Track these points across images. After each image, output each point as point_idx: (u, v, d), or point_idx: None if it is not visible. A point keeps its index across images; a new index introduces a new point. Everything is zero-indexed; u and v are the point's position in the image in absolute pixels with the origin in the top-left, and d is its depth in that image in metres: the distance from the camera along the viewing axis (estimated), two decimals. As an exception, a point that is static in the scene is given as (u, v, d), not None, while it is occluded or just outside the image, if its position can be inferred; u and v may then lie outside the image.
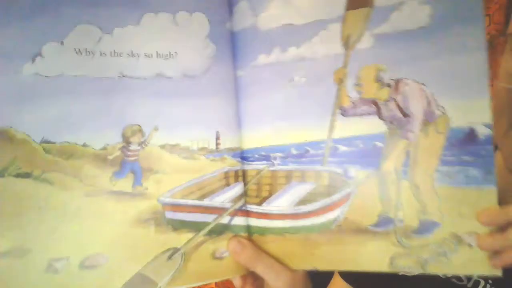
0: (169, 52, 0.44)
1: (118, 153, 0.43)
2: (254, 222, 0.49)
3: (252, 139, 0.49)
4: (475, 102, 0.41)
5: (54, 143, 0.40)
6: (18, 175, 0.39)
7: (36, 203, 0.40)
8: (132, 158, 0.44)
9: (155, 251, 0.44)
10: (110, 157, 0.43)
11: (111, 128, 0.42)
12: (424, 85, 0.42)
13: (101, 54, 0.41)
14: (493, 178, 0.42)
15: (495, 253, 0.42)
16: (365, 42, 0.43)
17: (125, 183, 0.43)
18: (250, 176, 0.50)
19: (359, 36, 0.43)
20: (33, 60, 0.39)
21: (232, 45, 0.48)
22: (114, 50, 0.42)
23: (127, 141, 0.43)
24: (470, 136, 0.42)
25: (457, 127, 0.42)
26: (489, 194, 0.42)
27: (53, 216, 0.40)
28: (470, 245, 0.43)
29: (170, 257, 0.45)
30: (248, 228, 0.49)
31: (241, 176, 0.49)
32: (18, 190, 0.39)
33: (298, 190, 0.49)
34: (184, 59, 0.45)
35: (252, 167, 0.49)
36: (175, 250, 0.45)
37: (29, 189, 0.39)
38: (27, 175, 0.39)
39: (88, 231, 0.41)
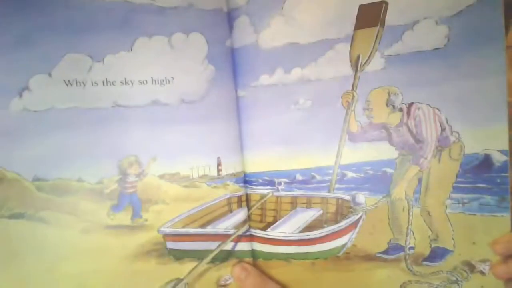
0: (165, 77, 0.42)
1: (115, 186, 0.41)
2: (259, 247, 0.47)
3: (256, 163, 0.46)
4: (492, 128, 0.39)
5: (46, 180, 0.38)
6: (11, 216, 0.37)
7: (32, 243, 0.38)
8: (130, 190, 0.42)
9: (157, 283, 0.43)
10: (107, 191, 0.40)
11: (107, 160, 0.40)
12: (438, 109, 0.40)
13: (92, 84, 0.39)
14: (507, 205, 0.40)
15: (510, 280, 0.40)
16: (376, 64, 0.41)
17: (124, 216, 0.42)
18: (253, 200, 0.48)
19: (369, 57, 0.40)
20: (21, 95, 0.36)
21: (232, 63, 0.45)
22: (106, 79, 0.39)
23: (124, 173, 0.41)
24: (485, 163, 0.40)
25: (472, 154, 0.40)
26: (503, 222, 0.40)
27: (50, 255, 0.38)
28: (483, 273, 0.41)
29: (173, 289, 0.43)
30: (253, 253, 0.47)
31: (245, 201, 0.47)
32: (12, 231, 0.37)
33: (304, 216, 0.47)
34: (181, 84, 0.42)
35: (256, 191, 0.47)
36: (178, 280, 0.44)
37: (23, 230, 0.37)
38: (20, 216, 0.37)
39: (87, 269, 0.40)
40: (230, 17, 0.44)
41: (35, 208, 0.38)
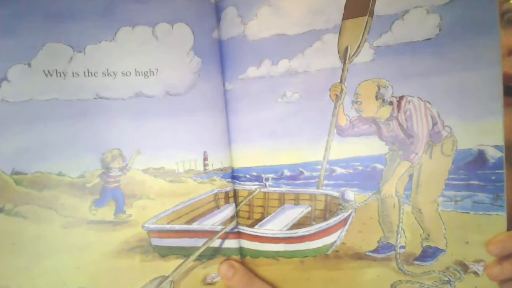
0: (149, 68, 0.40)
1: (97, 180, 0.40)
2: (247, 244, 0.46)
3: (243, 158, 0.45)
4: (486, 122, 0.37)
5: (25, 174, 0.37)
6: (-12, 210, 0.37)
7: (10, 238, 0.37)
8: (113, 185, 0.41)
9: (142, 281, 0.42)
10: (89, 185, 0.40)
11: (89, 154, 0.39)
12: (430, 103, 0.38)
13: (73, 75, 0.38)
14: (502, 204, 0.38)
15: (505, 282, 0.39)
16: (365, 55, 0.39)
17: (107, 212, 0.41)
18: (241, 196, 0.47)
19: (357, 48, 0.39)
20: (-1, 86, 0.36)
21: (220, 55, 0.44)
22: (87, 70, 0.38)
23: (106, 167, 0.40)
24: (479, 159, 0.38)
25: (465, 149, 0.38)
26: (498, 221, 0.38)
27: (29, 251, 0.37)
28: (476, 274, 0.40)
29: (158, 286, 0.42)
30: (241, 251, 0.46)
31: (232, 197, 0.46)
32: (-11, 226, 0.37)
33: (292, 213, 0.46)
34: (166, 75, 0.41)
35: (244, 187, 0.46)
36: (164, 278, 0.43)
37: (1, 225, 0.37)
38: (-2, 210, 0.37)
39: (68, 265, 0.39)
40: (217, 8, 0.43)
41: (14, 203, 0.37)
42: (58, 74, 0.37)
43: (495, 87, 0.36)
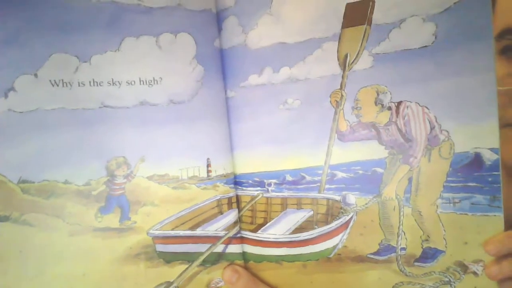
0: (153, 77, 0.41)
1: (102, 187, 0.40)
2: (250, 249, 0.47)
3: (245, 164, 0.46)
4: (482, 126, 0.38)
5: (32, 182, 0.37)
6: (-4, 219, 0.37)
7: (17, 246, 0.37)
8: (118, 192, 0.41)
9: (147, 287, 0.42)
10: (95, 193, 0.40)
11: (94, 162, 0.40)
12: (427, 108, 0.40)
13: (79, 85, 0.38)
14: (500, 205, 0.39)
15: (504, 281, 0.40)
16: (364, 62, 0.40)
17: (112, 219, 0.41)
18: (244, 202, 0.47)
19: (357, 56, 0.40)
20: (6, 96, 0.36)
21: (221, 64, 0.45)
22: (93, 79, 0.39)
23: (112, 174, 0.41)
24: (476, 162, 0.39)
25: (462, 152, 0.39)
26: (496, 222, 0.39)
27: (36, 259, 0.38)
28: (476, 274, 0.41)
29: (163, 292, 0.43)
30: (244, 256, 0.47)
31: (235, 202, 0.47)
32: (-4, 234, 0.37)
33: (294, 218, 0.47)
34: (170, 84, 0.42)
35: (246, 193, 0.47)
36: (168, 284, 0.43)
37: (8, 233, 0.37)
38: (5, 218, 0.37)
39: (74, 272, 0.39)
40: (218, 18, 0.44)
41: (21, 211, 0.37)
42: (64, 84, 0.38)
43: (489, 91, 0.38)
